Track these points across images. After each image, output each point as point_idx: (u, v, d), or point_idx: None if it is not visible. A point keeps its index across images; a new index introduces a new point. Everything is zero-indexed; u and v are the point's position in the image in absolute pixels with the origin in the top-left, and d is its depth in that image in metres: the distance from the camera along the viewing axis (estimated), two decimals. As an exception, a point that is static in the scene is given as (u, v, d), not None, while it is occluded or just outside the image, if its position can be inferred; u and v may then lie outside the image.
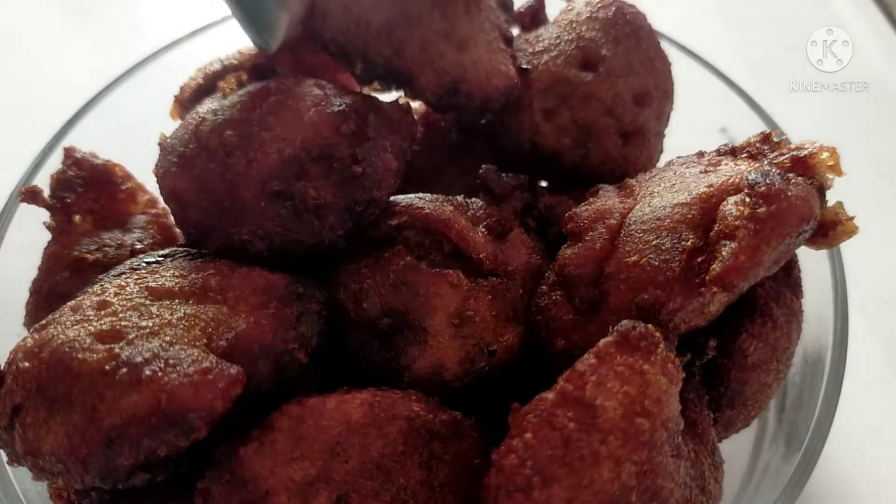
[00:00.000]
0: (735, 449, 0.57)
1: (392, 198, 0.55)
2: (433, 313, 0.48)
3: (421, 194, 0.55)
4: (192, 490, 0.42)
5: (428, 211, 0.52)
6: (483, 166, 0.58)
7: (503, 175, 0.58)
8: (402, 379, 0.48)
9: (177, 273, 0.46)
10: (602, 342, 0.39)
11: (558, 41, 0.61)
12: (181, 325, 0.42)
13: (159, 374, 0.39)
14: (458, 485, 0.43)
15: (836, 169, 0.47)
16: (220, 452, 0.42)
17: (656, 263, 0.44)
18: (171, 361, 0.39)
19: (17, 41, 1.09)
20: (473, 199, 0.56)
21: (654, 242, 0.45)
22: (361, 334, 0.49)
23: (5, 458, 0.45)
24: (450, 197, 0.55)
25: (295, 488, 0.41)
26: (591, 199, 0.53)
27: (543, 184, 0.65)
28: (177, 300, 0.44)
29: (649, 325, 0.40)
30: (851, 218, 0.47)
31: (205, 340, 0.42)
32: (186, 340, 0.42)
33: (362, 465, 0.41)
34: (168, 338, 0.41)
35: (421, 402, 0.44)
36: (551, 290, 0.49)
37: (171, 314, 0.43)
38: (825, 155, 0.47)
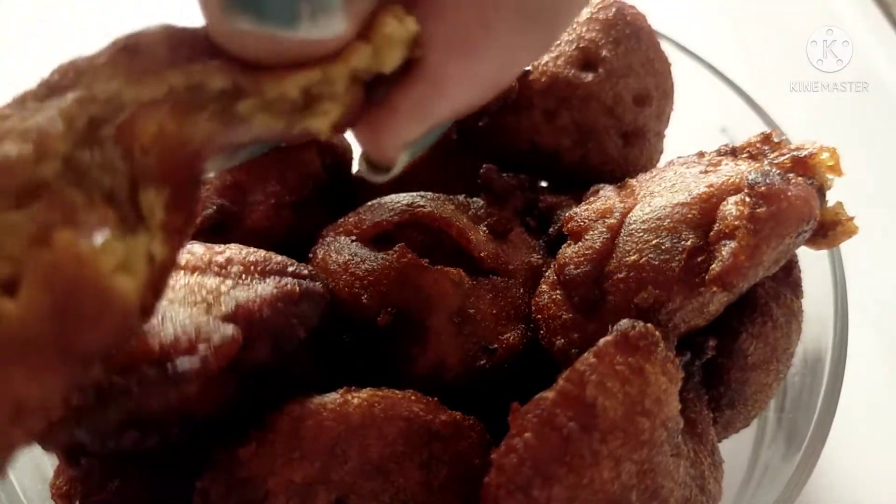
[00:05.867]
0: (735, 449, 0.56)
1: (393, 196, 0.55)
2: (435, 312, 0.48)
3: (422, 193, 0.55)
4: (190, 490, 0.42)
5: (429, 209, 0.52)
6: (483, 166, 0.58)
7: (504, 175, 0.58)
8: (402, 379, 0.48)
9: (184, 250, 0.46)
10: (602, 341, 0.39)
11: (558, 42, 0.61)
12: (182, 291, 0.43)
13: (155, 326, 0.39)
14: (457, 485, 0.43)
15: (836, 169, 0.47)
16: (219, 453, 0.42)
17: (656, 263, 0.44)
18: (167, 316, 0.40)
19: (17, 42, 1.09)
20: (474, 199, 0.56)
21: (654, 242, 0.45)
22: (362, 333, 0.49)
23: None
24: (451, 196, 0.56)
25: (294, 489, 0.40)
26: (591, 199, 0.53)
27: (543, 184, 0.65)
28: (182, 272, 0.44)
29: (649, 325, 0.40)
30: (851, 218, 0.47)
31: (205, 306, 0.42)
32: (186, 303, 0.42)
33: (361, 465, 0.41)
34: (168, 299, 0.41)
35: (420, 403, 0.44)
36: (551, 289, 0.49)
37: (174, 282, 0.43)
38: (825, 155, 0.47)
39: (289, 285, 0.45)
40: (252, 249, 0.48)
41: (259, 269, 0.46)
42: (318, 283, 0.47)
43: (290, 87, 0.29)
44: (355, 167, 0.68)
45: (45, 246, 0.23)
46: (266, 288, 0.45)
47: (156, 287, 0.27)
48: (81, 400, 0.31)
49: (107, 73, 0.28)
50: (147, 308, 0.26)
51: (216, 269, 0.45)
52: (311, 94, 0.29)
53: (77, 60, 0.28)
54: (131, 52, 0.28)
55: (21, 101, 0.28)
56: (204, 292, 0.43)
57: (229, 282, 0.45)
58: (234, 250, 0.47)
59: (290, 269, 0.47)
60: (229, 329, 0.40)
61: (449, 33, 0.30)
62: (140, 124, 0.28)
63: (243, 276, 0.45)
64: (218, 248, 0.47)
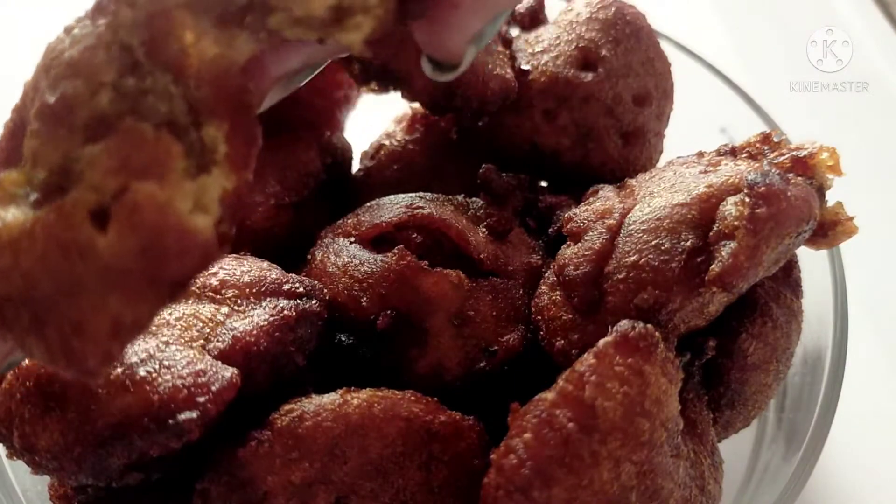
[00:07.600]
0: (735, 449, 0.56)
1: (392, 197, 0.55)
2: (434, 313, 0.48)
3: (421, 194, 0.55)
4: (190, 490, 0.42)
5: (428, 211, 0.52)
6: (483, 166, 0.58)
7: (503, 175, 0.58)
8: (401, 379, 0.48)
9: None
10: (601, 342, 0.39)
11: (558, 42, 0.61)
12: (178, 326, 0.42)
13: (153, 375, 0.39)
14: (457, 486, 0.43)
15: (836, 169, 0.46)
16: (219, 453, 0.42)
17: (656, 264, 0.44)
18: (165, 363, 0.40)
19: (17, 41, 1.09)
20: (474, 199, 0.56)
21: (653, 243, 0.45)
22: (361, 334, 0.49)
23: (4, 453, 0.45)
24: (450, 197, 0.55)
25: (293, 489, 0.41)
26: (590, 199, 0.53)
27: (543, 184, 0.65)
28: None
29: (648, 326, 0.40)
30: (851, 218, 0.47)
31: (202, 341, 0.42)
32: (183, 341, 0.42)
33: (361, 466, 0.41)
34: (164, 338, 0.41)
35: (420, 403, 0.44)
36: (551, 290, 0.49)
37: (170, 314, 0.43)
38: (825, 155, 0.47)
39: (285, 311, 0.45)
40: (245, 266, 0.48)
41: (254, 291, 0.46)
42: (314, 302, 0.47)
43: (317, 6, 0.29)
44: (356, 167, 0.68)
45: (127, 191, 0.26)
46: (262, 315, 0.44)
47: (232, 216, 0.29)
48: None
49: None
50: (224, 237, 0.28)
51: (210, 294, 0.45)
52: (343, 8, 0.29)
53: None
54: None
55: (79, 20, 0.30)
56: (200, 325, 0.43)
57: (225, 309, 0.45)
58: (227, 270, 0.47)
59: (286, 287, 0.47)
60: (227, 372, 0.40)
61: None
62: (175, 40, 0.28)
63: (239, 301, 0.45)
64: (211, 267, 0.47)
